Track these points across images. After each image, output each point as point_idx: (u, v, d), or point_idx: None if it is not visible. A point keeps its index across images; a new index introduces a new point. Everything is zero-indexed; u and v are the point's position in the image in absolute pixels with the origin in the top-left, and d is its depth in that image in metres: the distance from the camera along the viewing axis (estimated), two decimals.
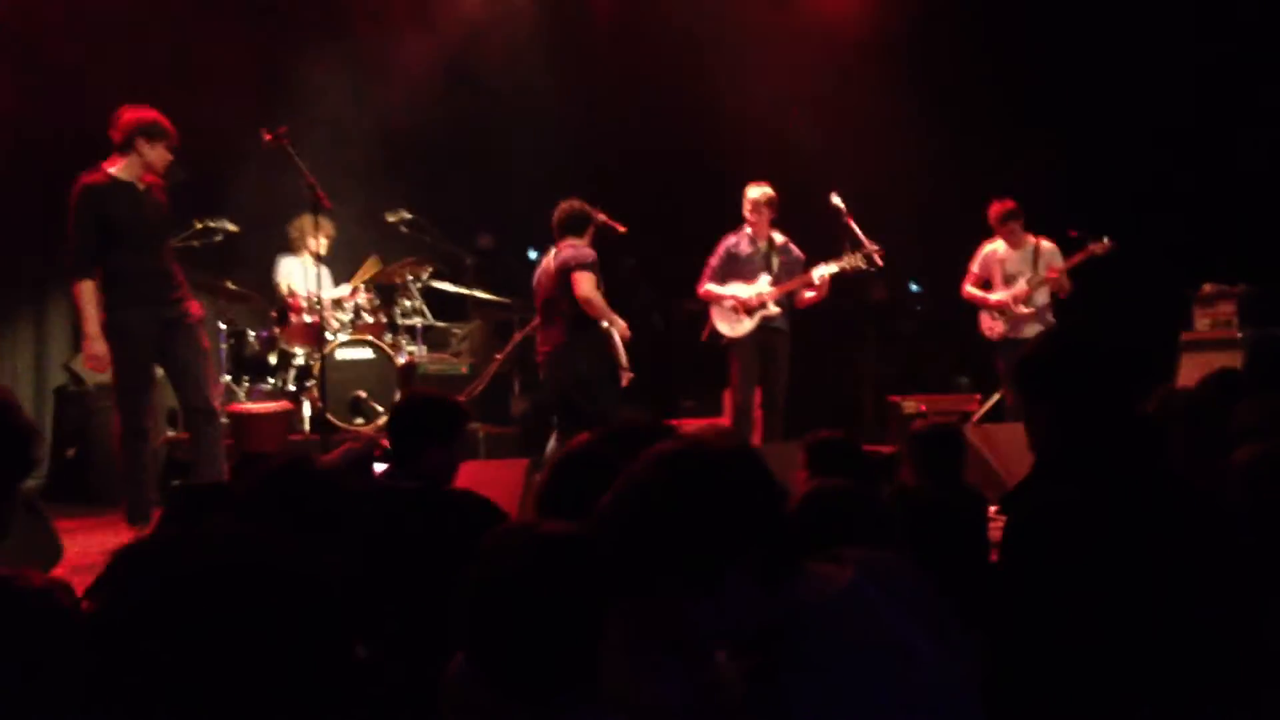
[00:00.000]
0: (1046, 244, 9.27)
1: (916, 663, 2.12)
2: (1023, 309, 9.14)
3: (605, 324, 7.93)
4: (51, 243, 10.44)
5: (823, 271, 8.83)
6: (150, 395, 7.19)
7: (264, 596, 1.56)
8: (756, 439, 8.86)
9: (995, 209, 9.28)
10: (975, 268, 9.48)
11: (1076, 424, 2.78)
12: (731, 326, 8.96)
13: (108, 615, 1.57)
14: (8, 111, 9.18)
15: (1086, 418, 2.78)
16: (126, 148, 6.99)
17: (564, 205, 8.07)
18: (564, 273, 7.85)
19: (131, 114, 7.03)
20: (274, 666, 1.54)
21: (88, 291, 6.85)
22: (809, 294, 8.93)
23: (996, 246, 9.39)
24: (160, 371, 7.29)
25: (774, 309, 8.93)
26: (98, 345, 6.84)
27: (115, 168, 7.01)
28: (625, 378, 8.02)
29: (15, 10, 9.36)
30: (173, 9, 9.81)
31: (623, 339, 8.01)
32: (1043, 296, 9.18)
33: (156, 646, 1.51)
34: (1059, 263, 9.19)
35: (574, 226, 8.00)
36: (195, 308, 7.29)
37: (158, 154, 7.04)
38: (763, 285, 8.91)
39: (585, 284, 7.76)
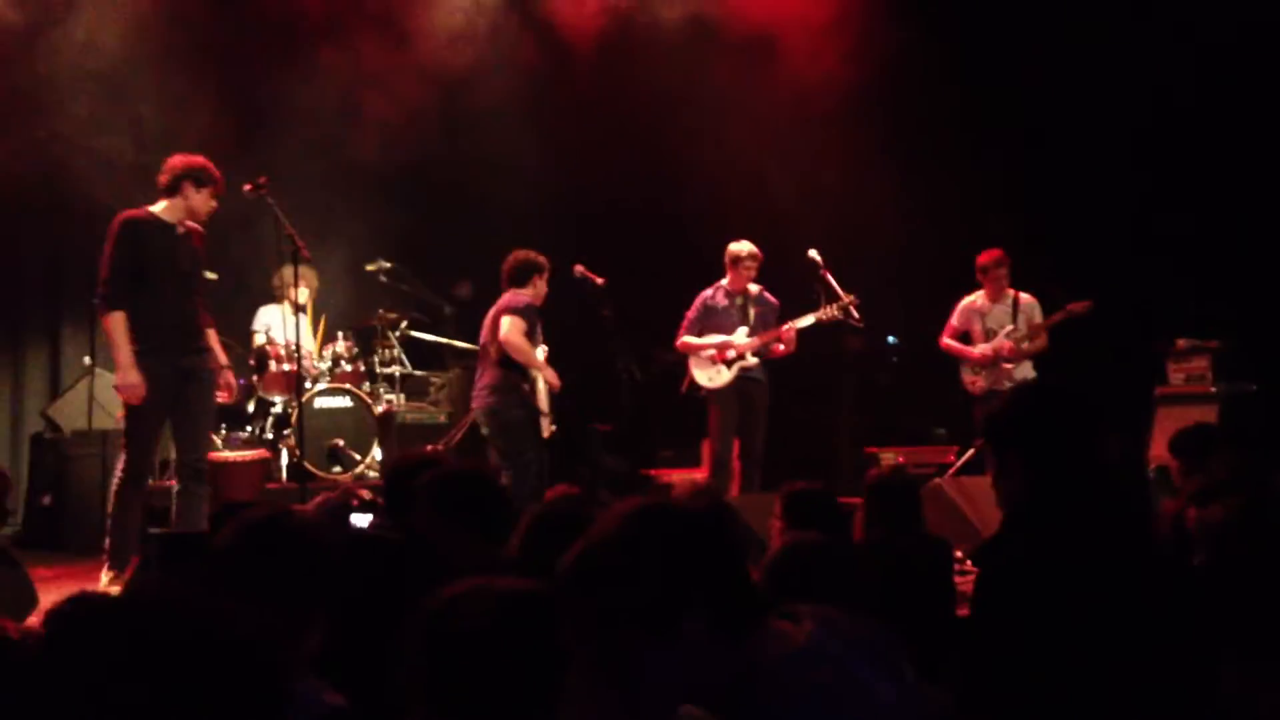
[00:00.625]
0: (1026, 297, 9.34)
1: (880, 712, 2.15)
2: (1006, 365, 9.17)
3: (533, 371, 8.06)
4: (27, 289, 10.55)
5: (795, 325, 8.92)
6: (157, 443, 7.19)
7: (188, 664, 1.59)
8: (734, 490, 8.89)
9: (985, 256, 9.32)
10: (954, 320, 9.53)
11: (1043, 477, 2.82)
12: (710, 377, 9.04)
13: (49, 663, 1.60)
14: None
15: (1053, 470, 2.82)
16: (172, 191, 7.06)
17: (511, 256, 8.27)
18: (495, 318, 8.05)
19: (181, 159, 7.13)
20: None
21: (122, 322, 6.85)
22: (780, 347, 9.01)
23: (975, 298, 9.45)
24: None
25: (752, 360, 9.01)
26: (131, 375, 6.83)
27: (158, 208, 7.07)
28: (546, 428, 8.14)
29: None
30: (150, 54, 9.84)
31: (550, 388, 8.20)
32: (1025, 352, 9.21)
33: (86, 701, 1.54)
34: (1038, 317, 9.25)
35: (516, 277, 8.19)
36: (214, 361, 7.34)
37: (202, 200, 7.11)
38: (740, 337, 8.97)
39: (509, 329, 7.95)
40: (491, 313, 8.19)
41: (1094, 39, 10.58)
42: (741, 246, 9.04)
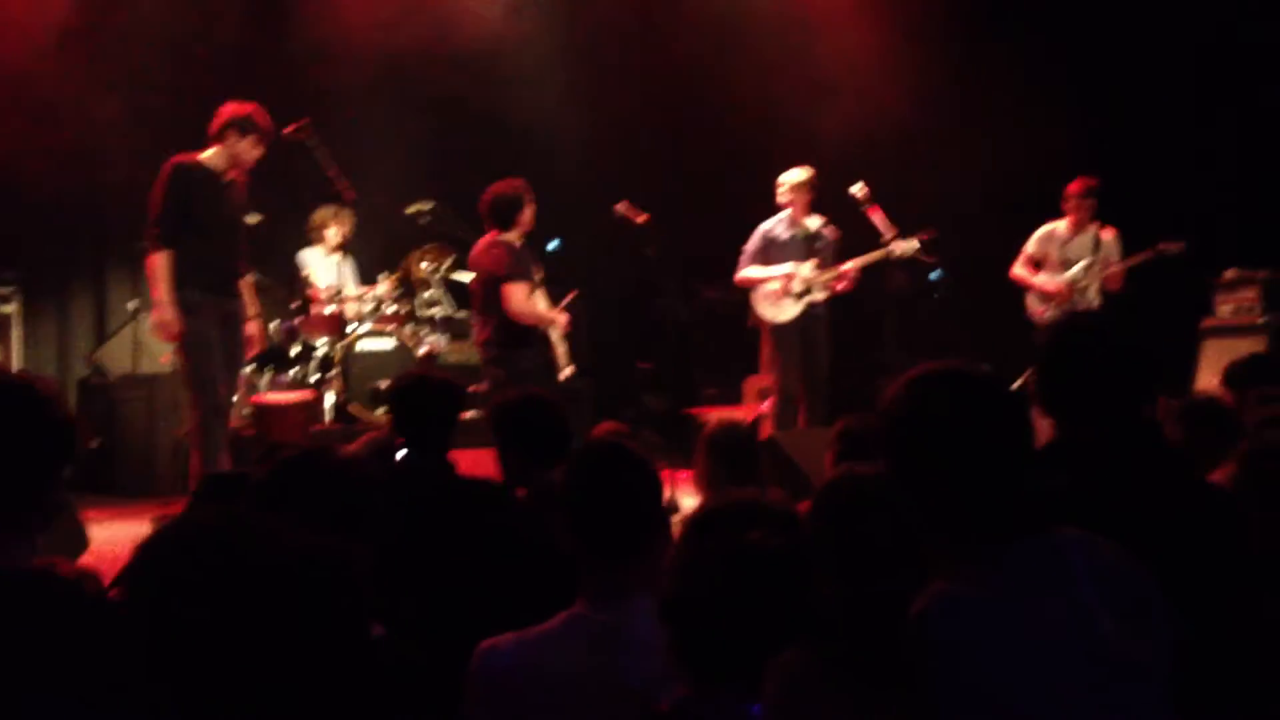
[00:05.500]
0: (1108, 232, 9.11)
1: (1093, 641, 2.16)
2: (1078, 298, 8.99)
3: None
4: (74, 235, 10.63)
5: (858, 263, 8.75)
6: (222, 377, 7.13)
7: (289, 580, 1.60)
8: (801, 422, 8.80)
9: (1076, 184, 9.04)
10: (1031, 248, 9.24)
11: (1076, 418, 2.83)
12: (776, 311, 8.83)
13: (141, 599, 1.60)
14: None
15: (1087, 411, 2.83)
16: (219, 138, 7.11)
17: (488, 193, 7.77)
18: (484, 270, 7.73)
19: (231, 107, 7.15)
20: (297, 646, 1.57)
21: (168, 261, 6.89)
22: (839, 285, 8.85)
23: (1056, 226, 9.18)
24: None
25: (820, 294, 8.83)
26: (168, 312, 6.86)
27: (206, 155, 7.12)
28: (565, 371, 7.91)
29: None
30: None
31: (563, 332, 7.93)
32: (1094, 292, 9.04)
33: (187, 630, 1.55)
34: (1116, 255, 9.04)
35: (499, 218, 7.71)
36: (244, 309, 7.39)
37: (246, 147, 7.13)
38: (805, 269, 8.81)
39: (512, 300, 7.57)
40: (476, 253, 7.80)
41: None
42: (795, 175, 8.80)
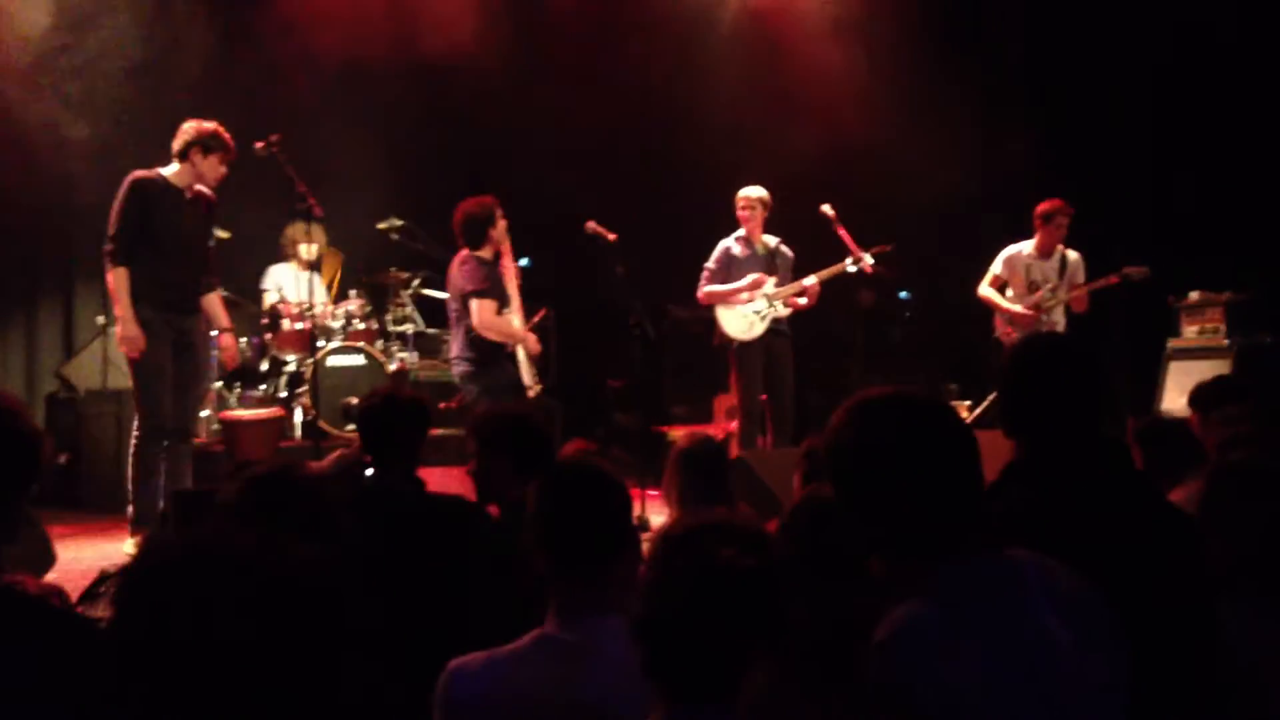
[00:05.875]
0: (1074, 255, 9.11)
1: (1055, 653, 2.18)
2: (1044, 319, 9.01)
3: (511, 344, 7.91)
4: (40, 250, 10.57)
5: (819, 277, 8.80)
6: (168, 398, 7.14)
7: (280, 601, 1.60)
8: (767, 442, 8.86)
9: (1048, 204, 9.01)
10: (997, 269, 9.23)
11: (1038, 435, 2.86)
12: (743, 329, 8.86)
13: (133, 620, 1.61)
14: None
15: (1048, 428, 2.86)
16: (182, 156, 7.17)
17: (459, 210, 7.86)
18: (457, 286, 7.82)
19: (193, 125, 7.21)
20: (283, 668, 1.57)
21: (125, 278, 6.99)
22: (801, 301, 8.90)
23: (1022, 248, 9.17)
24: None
25: (783, 310, 8.86)
26: (131, 327, 6.95)
27: (168, 171, 7.18)
28: (532, 388, 7.91)
29: None
30: (159, 12, 9.86)
31: (530, 354, 7.94)
32: (1059, 313, 9.07)
33: (183, 649, 1.55)
34: (1081, 277, 9.04)
35: (470, 236, 7.81)
36: (216, 323, 7.49)
37: (210, 166, 7.20)
38: (768, 288, 8.88)
39: (480, 316, 7.66)
40: (450, 270, 7.89)
41: None
42: (754, 191, 8.88)
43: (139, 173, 7.13)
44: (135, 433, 7.08)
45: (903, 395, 2.38)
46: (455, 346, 7.90)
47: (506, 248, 8.00)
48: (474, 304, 7.66)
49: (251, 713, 1.55)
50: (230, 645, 1.55)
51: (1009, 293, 9.22)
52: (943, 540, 2.26)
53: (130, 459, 7.09)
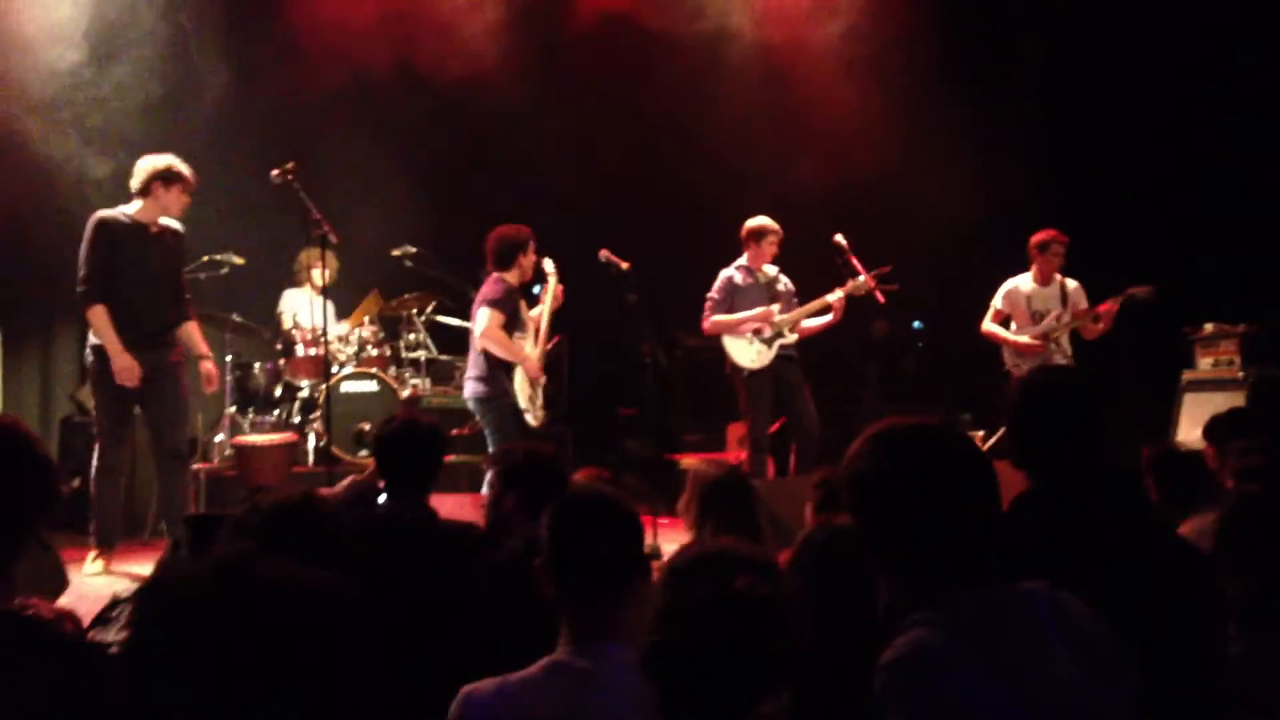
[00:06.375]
0: (1072, 282, 9.11)
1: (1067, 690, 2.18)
2: (1053, 348, 9.00)
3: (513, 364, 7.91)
4: (57, 276, 10.60)
5: (843, 292, 8.76)
6: (127, 434, 7.44)
7: (296, 626, 1.60)
8: (770, 472, 8.85)
9: (1043, 234, 9.05)
10: (999, 304, 9.23)
11: (1042, 467, 2.87)
12: (752, 358, 8.84)
13: (152, 645, 1.61)
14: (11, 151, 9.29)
15: (1049, 460, 2.86)
16: (144, 192, 7.29)
17: (492, 234, 8.00)
18: (476, 308, 7.91)
19: (148, 161, 7.34)
20: (298, 693, 1.57)
21: (103, 314, 7.14)
22: (817, 322, 8.87)
23: (1020, 281, 9.19)
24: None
25: (791, 337, 8.86)
26: (124, 359, 7.09)
27: (132, 208, 7.31)
28: (536, 416, 7.93)
29: None
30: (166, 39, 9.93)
31: (532, 379, 7.94)
32: (1065, 341, 9.03)
33: (191, 676, 1.55)
34: (1083, 303, 9.04)
35: (500, 259, 7.93)
36: (180, 352, 7.54)
37: (173, 198, 7.34)
38: (775, 315, 8.86)
39: (486, 325, 7.73)
40: (477, 299, 7.97)
41: (1119, 16, 10.55)
42: (763, 221, 8.91)
43: (103, 212, 7.30)
44: (94, 461, 7.28)
45: (925, 426, 2.39)
46: (468, 365, 7.99)
47: (554, 287, 8.23)
48: (484, 311, 7.74)
49: None
50: (245, 669, 1.55)
51: (1013, 326, 9.22)
52: (957, 569, 2.27)
53: (91, 485, 7.33)
